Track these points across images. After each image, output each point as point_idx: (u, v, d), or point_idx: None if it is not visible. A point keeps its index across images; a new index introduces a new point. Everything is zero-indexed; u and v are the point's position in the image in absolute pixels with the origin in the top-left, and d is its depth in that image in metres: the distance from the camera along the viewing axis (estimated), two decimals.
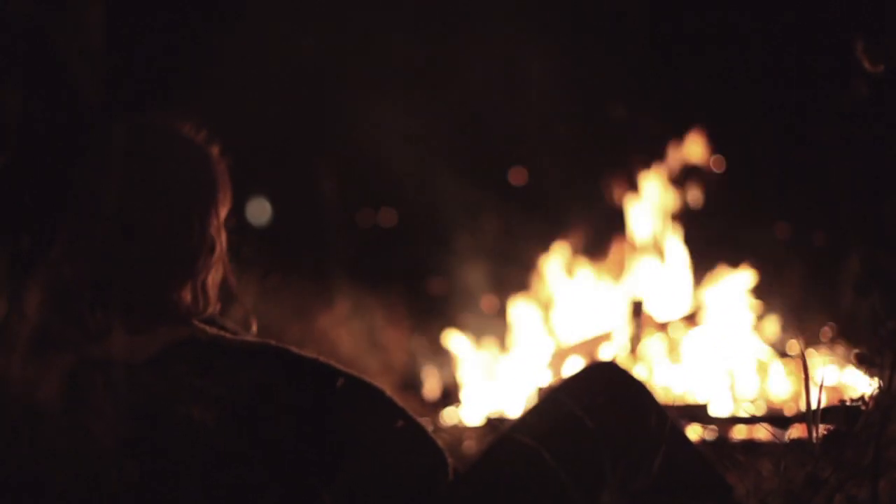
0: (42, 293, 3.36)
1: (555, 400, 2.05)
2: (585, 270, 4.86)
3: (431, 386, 4.68)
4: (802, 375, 4.44)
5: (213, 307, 1.98)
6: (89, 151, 1.99)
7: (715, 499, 1.98)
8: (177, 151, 1.98)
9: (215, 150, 2.01)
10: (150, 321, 1.89)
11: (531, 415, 2.08)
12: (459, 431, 4.04)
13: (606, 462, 1.87)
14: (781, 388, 4.44)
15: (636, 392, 2.05)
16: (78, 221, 1.92)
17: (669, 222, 4.99)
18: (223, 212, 2.00)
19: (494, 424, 4.01)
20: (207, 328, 1.93)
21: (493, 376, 4.56)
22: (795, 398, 4.38)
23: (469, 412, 4.37)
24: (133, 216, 1.90)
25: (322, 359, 1.92)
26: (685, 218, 5.03)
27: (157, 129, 2.01)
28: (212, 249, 1.96)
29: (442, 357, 4.73)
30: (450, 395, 4.52)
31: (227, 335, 1.95)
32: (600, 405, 1.98)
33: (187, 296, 1.94)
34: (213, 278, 1.98)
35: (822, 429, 4.11)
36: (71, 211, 1.93)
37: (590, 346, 4.59)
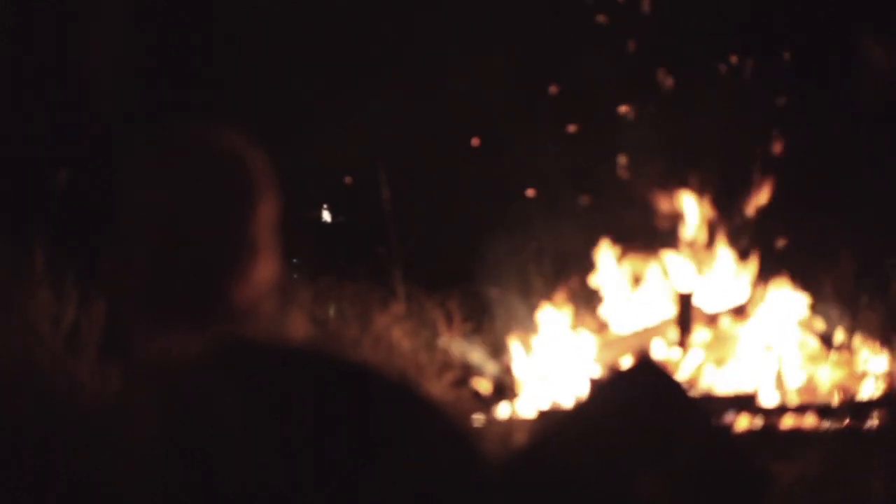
0: (107, 299, 3.49)
1: (596, 399, 2.13)
2: (635, 263, 4.91)
3: (486, 381, 4.75)
4: (852, 365, 4.49)
5: (264, 308, 1.99)
6: (133, 161, 2.02)
7: (751, 490, 2.05)
8: (217, 158, 1.98)
9: (257, 153, 2.00)
10: (199, 323, 1.92)
11: (574, 414, 2.16)
12: (513, 425, 4.12)
13: (643, 459, 1.95)
14: (830, 378, 4.48)
15: (673, 392, 2.12)
16: (127, 230, 1.95)
17: (718, 214, 5.03)
18: (268, 213, 2.01)
19: (547, 418, 4.09)
20: (256, 329, 1.95)
21: (546, 370, 4.62)
22: (844, 388, 4.42)
23: (523, 406, 4.45)
24: (177, 222, 1.92)
25: (364, 364, 1.94)
26: (733, 210, 5.06)
27: (198, 136, 2.01)
28: (257, 251, 1.97)
29: (496, 352, 4.80)
30: (504, 389, 4.59)
31: (275, 337, 1.99)
32: (638, 404, 2.05)
33: (236, 297, 1.95)
34: (262, 279, 1.99)
35: (873, 417, 4.16)
36: (121, 219, 1.96)
37: (639, 338, 4.66)
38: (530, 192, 5.35)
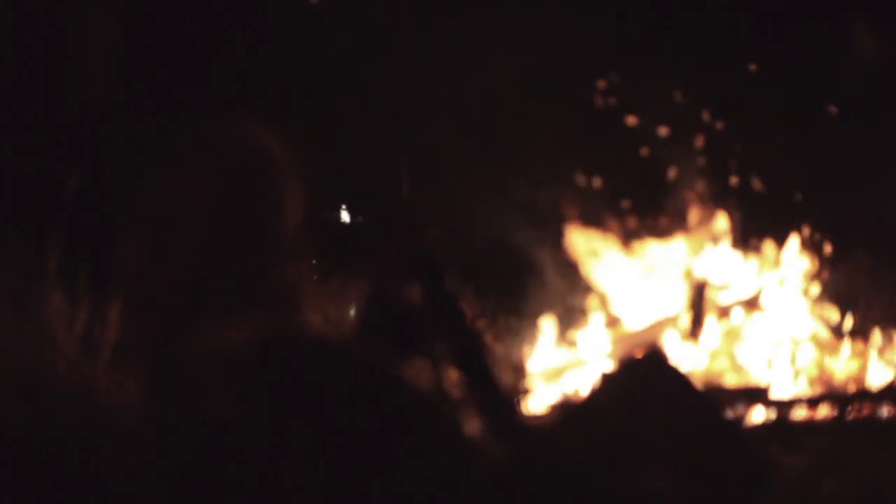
0: (122, 303, 3.50)
1: (604, 392, 2.15)
2: (648, 256, 4.92)
3: (501, 374, 4.75)
4: (865, 355, 4.48)
5: (296, 301, 2.00)
6: (164, 156, 2.03)
7: (757, 482, 2.06)
8: (246, 153, 2.01)
9: (286, 148, 2.03)
10: (232, 316, 1.93)
11: (582, 408, 2.17)
12: (527, 419, 4.13)
13: (650, 451, 1.96)
14: (844, 369, 4.47)
15: (679, 384, 2.13)
16: (159, 225, 1.96)
17: (730, 205, 5.03)
18: (298, 208, 2.03)
19: (559, 411, 4.10)
20: (291, 322, 1.95)
21: (560, 363, 4.64)
22: (857, 378, 4.41)
23: (535, 401, 4.46)
24: (210, 218, 1.94)
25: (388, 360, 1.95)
26: (747, 201, 5.06)
27: (228, 131, 2.04)
28: (288, 246, 2.02)
29: (510, 345, 4.81)
30: (517, 383, 4.60)
31: (309, 329, 1.99)
32: (644, 397, 2.06)
33: (268, 291, 1.97)
34: (294, 274, 2.01)
35: (888, 407, 4.15)
36: (151, 215, 1.98)
37: (653, 331, 4.66)
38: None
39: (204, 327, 1.91)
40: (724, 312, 4.67)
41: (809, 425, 4.07)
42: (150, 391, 1.99)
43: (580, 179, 5.35)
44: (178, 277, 1.93)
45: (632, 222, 5.06)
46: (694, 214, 5.00)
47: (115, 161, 4.84)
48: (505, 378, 4.61)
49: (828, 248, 5.02)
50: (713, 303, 4.66)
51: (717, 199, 5.04)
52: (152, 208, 1.98)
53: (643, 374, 2.15)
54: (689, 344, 4.54)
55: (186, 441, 1.89)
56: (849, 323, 4.76)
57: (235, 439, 1.85)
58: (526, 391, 4.53)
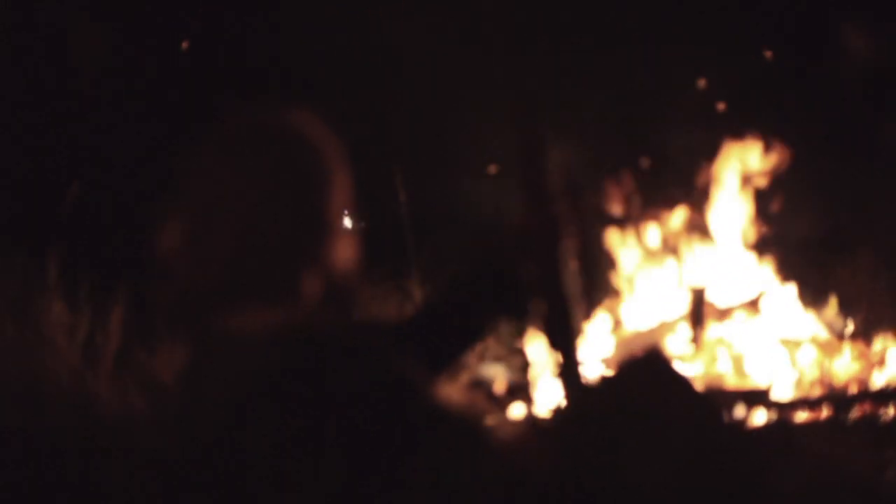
0: (126, 311, 3.50)
1: (601, 394, 2.16)
2: (648, 259, 4.92)
3: (500, 382, 4.76)
4: (866, 357, 4.48)
5: (341, 291, 2.00)
6: (208, 141, 2.02)
7: (756, 482, 2.06)
8: (291, 138, 2.01)
9: (330, 134, 2.03)
10: (274, 302, 1.93)
11: (580, 408, 2.18)
12: (527, 425, 4.13)
13: (648, 453, 1.97)
14: (845, 370, 4.47)
15: (678, 385, 2.14)
16: (202, 209, 1.96)
17: (731, 208, 5.03)
18: (343, 195, 2.03)
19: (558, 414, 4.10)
20: (330, 313, 1.96)
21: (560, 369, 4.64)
22: (859, 380, 4.41)
23: (537, 406, 4.46)
24: (253, 202, 1.94)
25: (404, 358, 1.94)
26: (747, 203, 5.06)
27: (273, 116, 2.04)
28: (331, 233, 2.00)
29: (510, 352, 4.81)
30: (518, 390, 4.60)
31: (348, 321, 1.99)
32: (644, 398, 2.07)
33: (311, 279, 1.96)
34: (338, 262, 2.01)
35: (890, 409, 4.16)
36: (193, 199, 1.97)
37: (654, 334, 4.66)
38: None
39: (242, 312, 1.92)
40: (724, 315, 4.67)
41: (810, 427, 4.06)
42: (181, 371, 2.01)
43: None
44: (219, 262, 1.93)
45: (631, 222, 5.06)
46: (693, 216, 5.01)
47: (117, 168, 4.85)
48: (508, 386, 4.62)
49: (829, 250, 5.02)
50: (713, 306, 4.66)
51: (717, 199, 5.05)
52: (195, 195, 1.98)
53: (642, 375, 2.16)
54: (690, 347, 4.54)
55: (209, 423, 1.90)
56: (850, 325, 4.76)
57: (257, 425, 1.84)
58: (528, 396, 4.54)
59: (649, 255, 4.94)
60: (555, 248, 2.30)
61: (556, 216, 2.30)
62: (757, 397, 4.21)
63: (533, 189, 2.30)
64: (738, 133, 5.10)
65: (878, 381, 4.40)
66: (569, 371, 2.26)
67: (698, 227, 4.98)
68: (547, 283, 2.29)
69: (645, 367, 2.17)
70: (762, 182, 5.12)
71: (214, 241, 1.94)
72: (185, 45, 4.92)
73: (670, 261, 4.90)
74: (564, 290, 2.33)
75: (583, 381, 2.26)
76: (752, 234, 4.95)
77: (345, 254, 2.03)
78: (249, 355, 1.88)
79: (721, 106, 5.28)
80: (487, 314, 2.34)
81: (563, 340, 2.31)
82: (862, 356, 4.55)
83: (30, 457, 3.32)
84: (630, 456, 1.99)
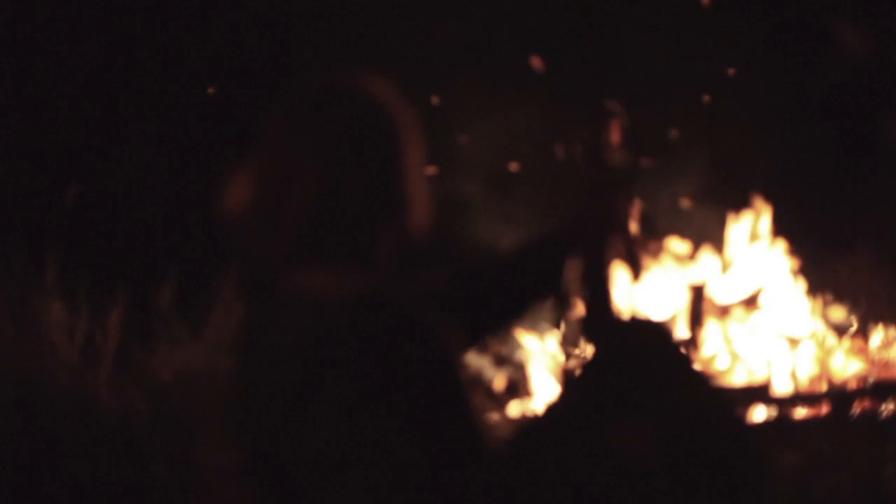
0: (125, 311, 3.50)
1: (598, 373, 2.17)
2: (646, 256, 4.92)
3: (498, 379, 4.77)
4: (865, 353, 4.49)
5: (411, 258, 2.02)
6: (287, 105, 2.04)
7: (749, 475, 2.06)
8: (367, 103, 2.02)
9: (404, 100, 2.05)
10: (347, 265, 1.96)
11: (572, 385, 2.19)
12: (526, 422, 4.13)
13: (644, 443, 1.97)
14: (845, 366, 4.48)
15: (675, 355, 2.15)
16: (281, 170, 1.98)
17: (730, 205, 5.03)
18: (417, 162, 2.04)
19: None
20: (401, 279, 1.98)
21: (559, 365, 4.64)
22: (858, 376, 4.42)
23: (536, 403, 4.46)
24: (332, 166, 1.96)
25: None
26: (744, 199, 5.06)
27: (350, 82, 2.05)
28: (406, 200, 2.02)
29: (508, 349, 4.82)
30: (516, 387, 4.60)
31: (414, 290, 1.99)
32: (638, 364, 2.09)
33: (384, 244, 1.99)
34: (411, 229, 2.03)
35: (889, 405, 4.16)
36: (273, 158, 2.00)
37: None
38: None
39: (313, 272, 1.94)
40: (723, 311, 4.67)
41: (810, 423, 4.07)
42: (247, 328, 2.04)
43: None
44: (294, 220, 1.95)
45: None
46: (692, 213, 5.01)
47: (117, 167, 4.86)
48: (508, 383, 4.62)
49: (829, 246, 5.02)
50: (712, 302, 4.66)
51: (716, 197, 5.05)
52: (274, 151, 2.00)
53: (638, 339, 2.17)
54: (689, 344, 4.54)
55: (270, 382, 1.93)
56: (850, 320, 4.76)
57: (319, 386, 1.87)
58: (526, 394, 4.54)
59: (648, 251, 4.94)
60: (605, 240, 2.36)
61: (614, 209, 2.34)
62: (757, 394, 4.21)
63: (596, 181, 2.36)
64: (738, 130, 5.10)
65: (877, 376, 4.40)
66: (600, 362, 2.30)
67: (698, 224, 4.98)
68: (593, 273, 2.35)
69: (640, 333, 2.20)
70: (761, 178, 5.12)
71: (291, 199, 1.96)
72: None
73: (668, 258, 4.90)
74: (607, 282, 2.38)
75: (616, 375, 2.27)
76: (751, 231, 4.95)
77: (418, 222, 2.03)
78: (317, 316, 1.90)
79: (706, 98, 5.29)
80: (531, 293, 2.37)
81: (599, 331, 2.35)
82: (861, 352, 4.55)
83: (29, 457, 3.32)
84: (623, 431, 2.00)
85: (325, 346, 1.88)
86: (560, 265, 2.35)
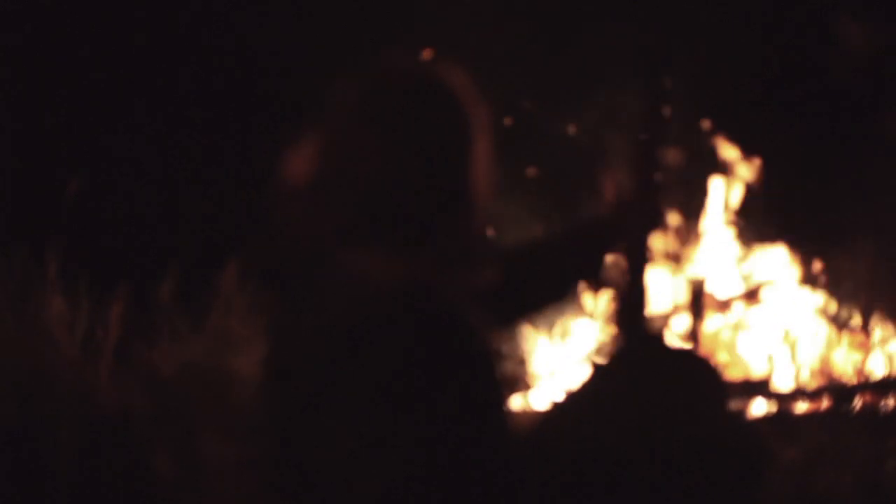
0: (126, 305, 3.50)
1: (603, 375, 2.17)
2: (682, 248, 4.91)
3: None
4: (867, 348, 4.49)
5: (467, 256, 1.99)
6: (349, 91, 2.01)
7: (753, 467, 2.07)
8: (435, 91, 1.99)
9: (473, 91, 2.01)
10: (401, 255, 1.93)
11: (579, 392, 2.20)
12: (527, 416, 4.14)
13: (645, 437, 1.98)
14: (845, 360, 4.48)
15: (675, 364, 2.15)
16: (341, 155, 1.96)
17: (729, 198, 5.03)
18: (482, 156, 2.00)
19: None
20: (453, 275, 1.95)
21: (561, 361, 4.64)
22: (859, 370, 4.42)
23: (537, 397, 4.47)
24: (393, 154, 1.94)
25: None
26: (745, 193, 5.06)
27: (406, 72, 2.03)
28: (468, 195, 1.98)
29: (510, 343, 4.82)
30: (518, 380, 4.61)
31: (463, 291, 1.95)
32: (644, 382, 2.09)
33: (441, 237, 1.96)
34: (470, 225, 2.00)
35: (890, 400, 4.16)
36: (331, 143, 1.98)
37: (654, 326, 4.66)
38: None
39: (362, 254, 1.92)
40: (724, 306, 4.67)
41: (810, 417, 4.07)
42: (289, 306, 1.99)
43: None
44: (349, 203, 1.93)
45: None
46: (692, 208, 5.01)
47: (116, 162, 4.85)
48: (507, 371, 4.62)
49: (829, 240, 5.01)
50: (713, 297, 4.67)
51: (715, 193, 5.05)
52: (334, 135, 1.98)
53: (640, 357, 2.18)
54: (689, 338, 4.54)
55: (308, 363, 1.90)
56: (850, 315, 4.76)
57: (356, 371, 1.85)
58: (527, 388, 4.55)
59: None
60: (647, 235, 2.41)
61: (656, 206, 2.38)
62: (757, 388, 4.22)
63: (644, 178, 2.40)
64: (737, 126, 5.10)
65: (878, 371, 4.41)
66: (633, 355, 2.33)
67: (697, 220, 4.98)
68: (634, 267, 2.41)
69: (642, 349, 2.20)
70: (761, 173, 5.12)
71: (354, 177, 1.94)
72: None
73: (669, 253, 4.90)
74: (644, 275, 2.43)
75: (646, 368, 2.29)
76: (751, 225, 4.95)
77: (476, 218, 2.01)
78: (361, 301, 1.88)
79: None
80: (569, 279, 2.41)
81: (634, 324, 2.38)
82: (862, 346, 4.55)
83: (29, 451, 3.33)
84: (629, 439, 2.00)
85: (364, 332, 1.85)
86: (601, 257, 2.37)
